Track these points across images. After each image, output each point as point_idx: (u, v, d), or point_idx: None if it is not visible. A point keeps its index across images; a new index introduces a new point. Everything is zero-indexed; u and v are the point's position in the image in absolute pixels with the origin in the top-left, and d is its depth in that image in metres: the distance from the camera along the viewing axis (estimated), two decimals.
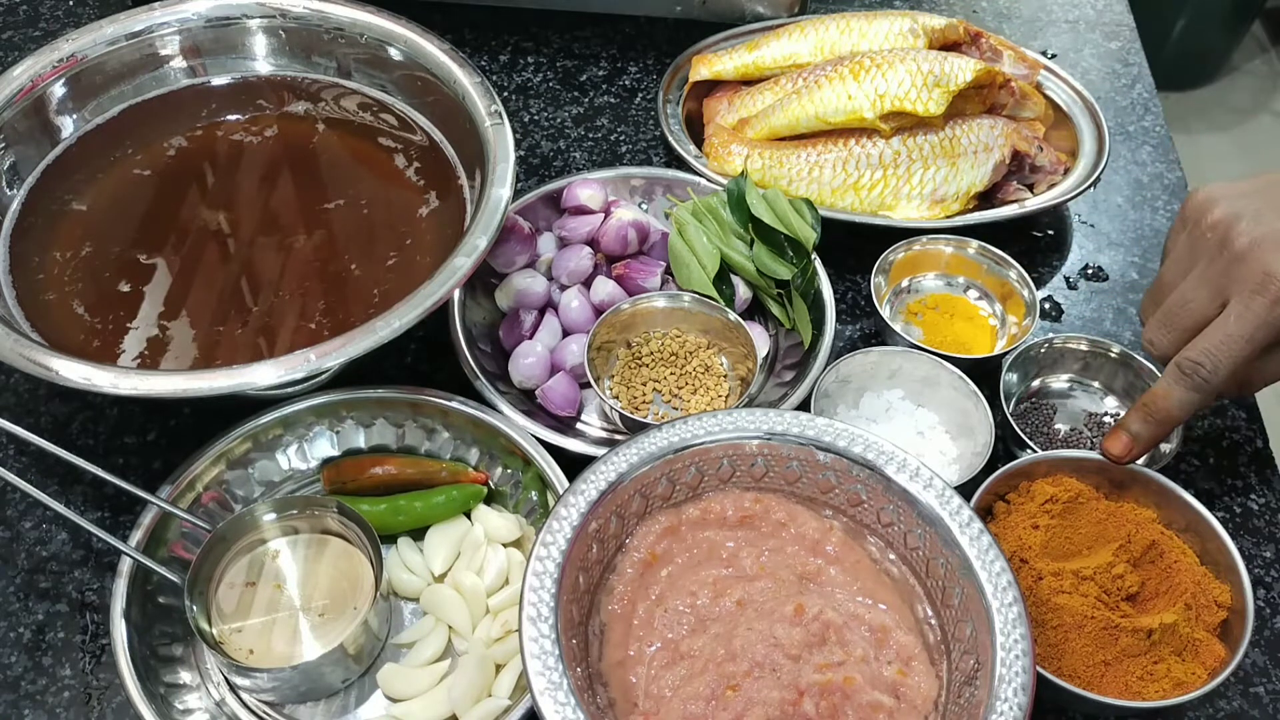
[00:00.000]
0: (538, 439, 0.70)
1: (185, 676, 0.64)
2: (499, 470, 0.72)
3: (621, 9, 1.08)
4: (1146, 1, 1.40)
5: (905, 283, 0.86)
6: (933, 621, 0.60)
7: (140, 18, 0.86)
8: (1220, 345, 0.64)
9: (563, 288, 0.81)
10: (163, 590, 0.65)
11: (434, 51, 0.84)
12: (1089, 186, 0.89)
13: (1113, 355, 0.79)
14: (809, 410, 0.72)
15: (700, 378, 0.78)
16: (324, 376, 0.68)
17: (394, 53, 0.86)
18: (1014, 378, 0.78)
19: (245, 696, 0.64)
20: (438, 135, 0.86)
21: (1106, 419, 0.79)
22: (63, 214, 0.80)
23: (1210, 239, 0.66)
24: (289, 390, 0.70)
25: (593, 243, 0.82)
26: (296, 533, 0.67)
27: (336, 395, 0.71)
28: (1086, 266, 0.91)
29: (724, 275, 0.80)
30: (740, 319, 0.77)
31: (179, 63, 0.88)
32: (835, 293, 0.81)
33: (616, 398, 0.77)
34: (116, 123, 0.86)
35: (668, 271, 0.81)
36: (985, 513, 0.69)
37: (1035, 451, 0.72)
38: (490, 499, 0.72)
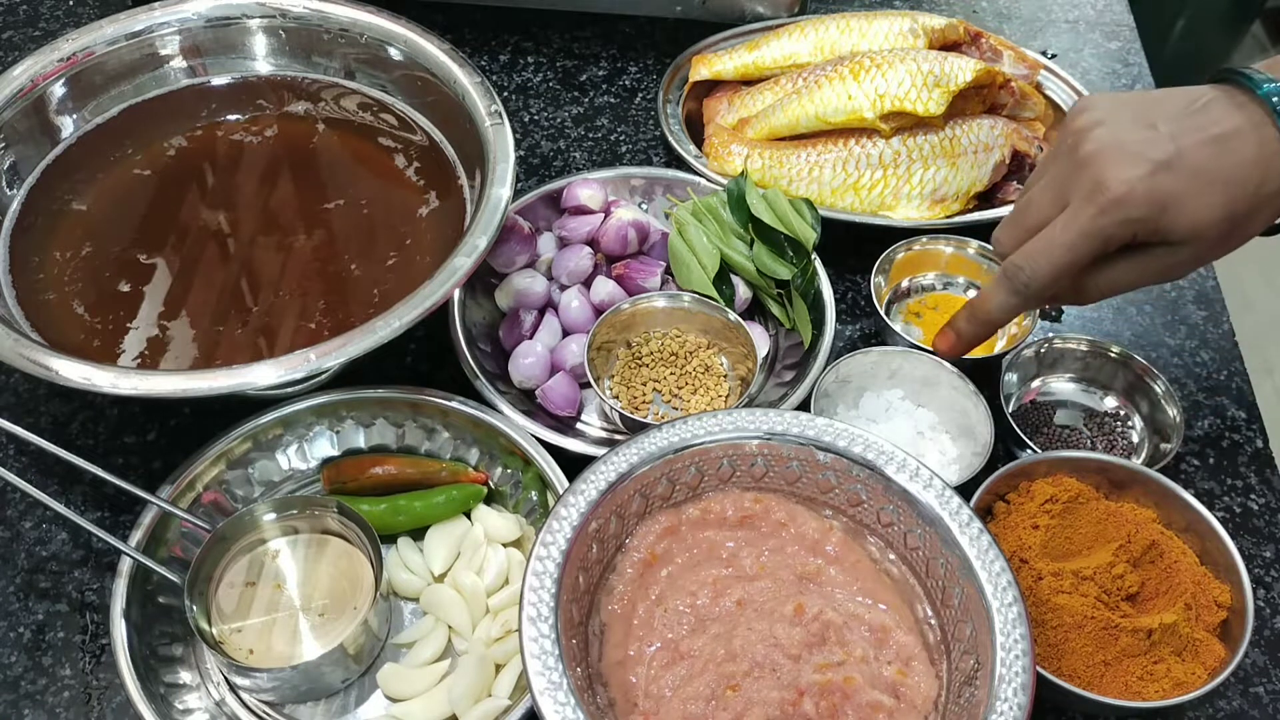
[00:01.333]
0: (538, 439, 0.70)
1: (185, 676, 0.64)
2: (499, 470, 0.72)
3: (621, 9, 1.08)
4: (1146, 1, 1.40)
5: (905, 283, 0.86)
6: (933, 621, 0.60)
7: (140, 18, 0.86)
8: (1041, 251, 0.64)
9: (563, 288, 0.81)
10: (163, 590, 0.65)
11: (434, 51, 0.84)
12: None
13: (1113, 355, 0.79)
14: (809, 410, 0.72)
15: (700, 378, 0.78)
16: (324, 376, 0.68)
17: (394, 53, 0.86)
18: (1014, 378, 0.78)
19: (245, 696, 0.64)
20: (438, 135, 0.86)
21: (1107, 419, 0.79)
22: (63, 214, 0.80)
23: (1068, 144, 0.65)
24: (289, 390, 0.70)
25: (593, 243, 0.82)
26: (296, 533, 0.67)
27: (336, 395, 0.71)
28: None
29: (724, 275, 0.80)
30: (740, 319, 0.77)
31: (179, 63, 0.88)
32: (835, 293, 0.81)
33: (616, 398, 0.77)
34: (116, 123, 0.86)
35: (668, 271, 0.81)
36: (985, 513, 0.69)
37: (1035, 451, 0.72)
38: (490, 499, 0.72)
